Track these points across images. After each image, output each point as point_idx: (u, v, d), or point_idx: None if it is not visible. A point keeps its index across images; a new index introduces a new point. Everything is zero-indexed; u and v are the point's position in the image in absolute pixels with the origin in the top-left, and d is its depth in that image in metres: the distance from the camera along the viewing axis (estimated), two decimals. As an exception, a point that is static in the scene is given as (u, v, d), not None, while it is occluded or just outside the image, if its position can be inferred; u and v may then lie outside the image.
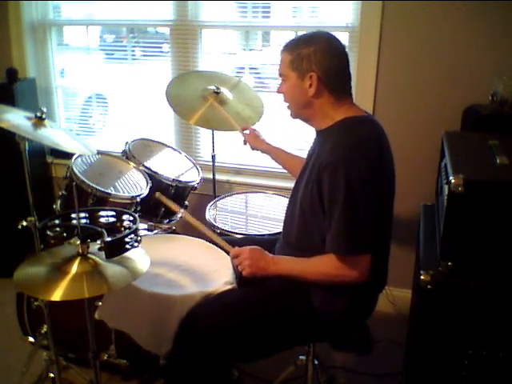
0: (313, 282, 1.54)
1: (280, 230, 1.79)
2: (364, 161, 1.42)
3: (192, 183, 2.39)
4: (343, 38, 2.49)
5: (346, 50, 1.58)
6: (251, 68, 2.89)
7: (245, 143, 2.10)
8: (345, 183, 1.39)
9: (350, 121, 1.54)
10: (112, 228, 1.50)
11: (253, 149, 2.09)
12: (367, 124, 1.56)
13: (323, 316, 1.56)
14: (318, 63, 1.50)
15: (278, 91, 1.64)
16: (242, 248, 1.61)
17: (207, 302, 1.54)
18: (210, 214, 2.27)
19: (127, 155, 2.32)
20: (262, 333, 1.55)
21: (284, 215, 1.73)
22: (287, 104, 1.63)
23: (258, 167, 2.90)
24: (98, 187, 2.02)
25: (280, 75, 1.61)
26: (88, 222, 1.52)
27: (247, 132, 2.11)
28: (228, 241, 1.92)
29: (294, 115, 1.64)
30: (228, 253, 1.69)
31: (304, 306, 1.56)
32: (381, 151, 1.52)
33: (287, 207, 1.71)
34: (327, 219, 1.46)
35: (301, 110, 1.60)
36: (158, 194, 2.07)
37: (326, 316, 1.56)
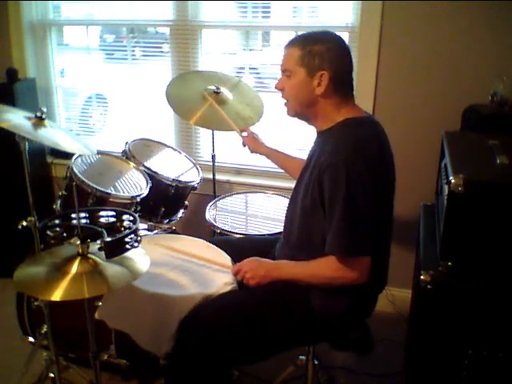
0: (313, 285, 1.54)
1: (280, 229, 1.79)
2: (364, 162, 1.41)
3: (192, 183, 2.39)
4: (343, 38, 2.49)
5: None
6: (251, 68, 2.89)
7: (244, 145, 2.10)
8: (345, 184, 1.39)
9: (351, 122, 1.53)
10: (112, 228, 1.50)
11: (252, 152, 2.08)
12: (367, 125, 1.56)
13: (323, 317, 1.55)
14: (330, 62, 1.48)
15: (278, 87, 1.59)
16: (240, 263, 1.63)
17: (207, 304, 1.53)
18: (209, 213, 2.27)
19: (127, 155, 2.32)
20: (262, 335, 1.54)
21: (284, 215, 1.73)
22: (286, 101, 1.60)
23: (258, 167, 2.90)
24: (98, 187, 2.02)
25: (284, 71, 1.56)
26: (88, 222, 1.52)
27: (245, 134, 2.10)
28: (228, 240, 1.93)
29: (294, 113, 1.60)
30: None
31: (304, 307, 1.56)
32: (381, 152, 1.51)
33: (288, 207, 1.71)
34: (327, 220, 1.46)
35: (303, 108, 1.57)
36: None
37: (326, 317, 1.56)
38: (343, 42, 1.55)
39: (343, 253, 1.45)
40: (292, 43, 1.54)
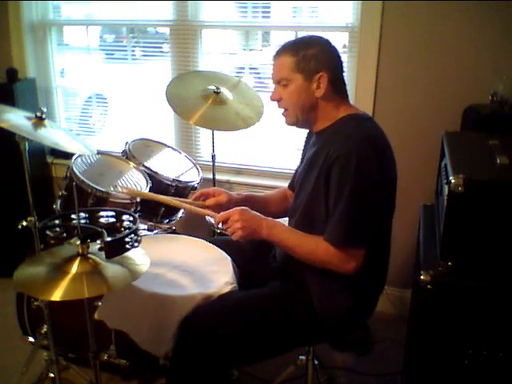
0: (299, 257, 1.51)
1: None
2: (376, 157, 1.41)
3: (192, 183, 2.39)
4: (343, 38, 2.50)
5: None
6: (251, 68, 2.89)
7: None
8: (354, 177, 1.38)
9: (356, 117, 1.53)
10: (112, 228, 1.49)
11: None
12: (372, 121, 1.57)
13: (324, 318, 1.55)
14: (326, 63, 1.49)
15: (275, 97, 1.56)
16: (230, 211, 1.52)
17: (208, 304, 1.53)
18: (210, 213, 2.27)
19: (127, 155, 2.32)
20: (263, 336, 1.54)
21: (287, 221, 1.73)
22: (284, 110, 1.57)
23: (258, 167, 2.90)
24: (98, 187, 2.02)
25: (278, 81, 1.53)
26: (88, 222, 1.52)
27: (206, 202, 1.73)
28: (228, 240, 1.93)
29: (295, 120, 1.57)
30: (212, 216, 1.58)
31: (305, 308, 1.56)
32: (388, 148, 1.52)
33: (289, 220, 1.70)
34: (331, 208, 1.44)
35: (304, 113, 1.54)
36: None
37: (327, 318, 1.56)
38: (330, 42, 1.54)
39: (340, 242, 1.44)
40: (282, 52, 1.52)
